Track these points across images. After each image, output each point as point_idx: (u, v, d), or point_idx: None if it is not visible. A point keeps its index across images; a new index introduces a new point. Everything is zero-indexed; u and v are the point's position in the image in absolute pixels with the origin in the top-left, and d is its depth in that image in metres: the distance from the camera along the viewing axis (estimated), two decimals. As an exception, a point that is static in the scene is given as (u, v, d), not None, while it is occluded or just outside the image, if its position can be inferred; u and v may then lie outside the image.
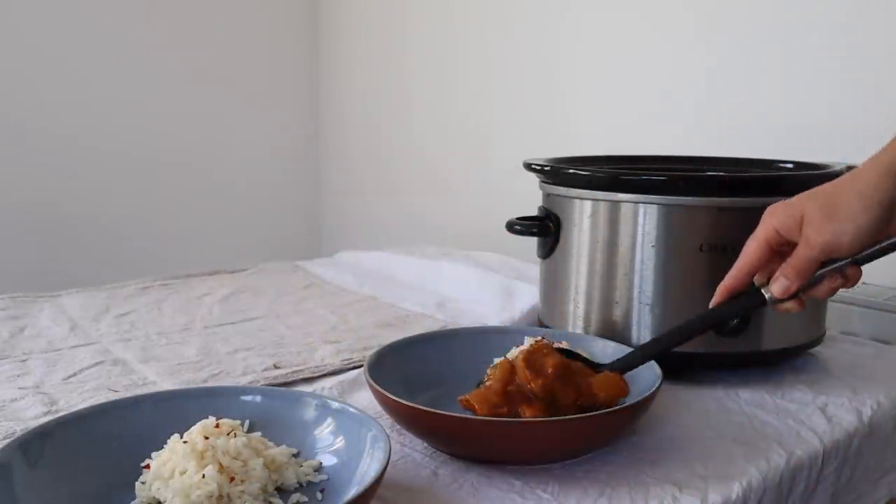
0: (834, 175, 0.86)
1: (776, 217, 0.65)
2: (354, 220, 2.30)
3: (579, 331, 0.89)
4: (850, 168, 0.89)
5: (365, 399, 0.77)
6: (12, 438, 0.58)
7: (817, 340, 0.91)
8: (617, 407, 0.68)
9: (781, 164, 1.01)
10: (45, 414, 0.75)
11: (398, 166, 2.12)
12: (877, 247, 0.62)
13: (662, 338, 0.72)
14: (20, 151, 1.90)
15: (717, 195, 0.81)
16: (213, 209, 2.21)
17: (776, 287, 0.65)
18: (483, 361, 0.79)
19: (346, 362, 0.91)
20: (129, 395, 0.76)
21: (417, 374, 0.78)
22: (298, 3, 2.32)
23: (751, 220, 0.82)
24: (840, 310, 1.08)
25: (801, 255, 0.63)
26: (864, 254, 0.63)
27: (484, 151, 1.86)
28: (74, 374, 0.87)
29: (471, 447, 0.66)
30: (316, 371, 0.88)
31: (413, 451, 0.69)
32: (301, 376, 0.87)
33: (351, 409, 0.63)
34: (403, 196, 2.10)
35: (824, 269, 0.65)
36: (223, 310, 1.16)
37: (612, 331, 0.86)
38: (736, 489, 0.63)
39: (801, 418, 0.77)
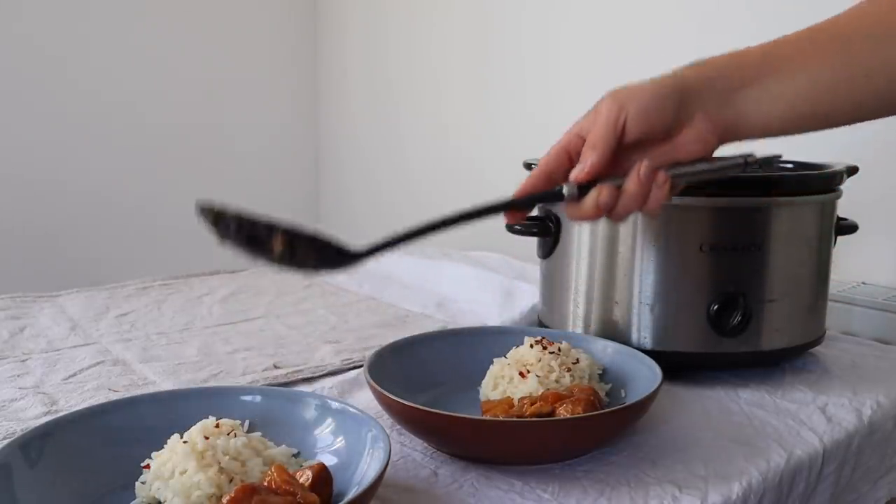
0: (832, 175, 0.87)
1: (577, 123, 0.61)
2: (354, 220, 2.30)
3: (579, 331, 0.89)
4: (849, 169, 0.89)
5: (365, 399, 0.77)
6: (12, 438, 0.58)
7: (817, 340, 0.91)
8: (617, 407, 0.68)
9: (781, 164, 1.01)
10: (45, 414, 0.75)
11: (398, 166, 2.12)
12: (686, 168, 0.59)
13: (431, 223, 0.59)
14: (20, 151, 1.90)
15: (717, 195, 0.81)
16: (214, 209, 2.21)
17: (575, 170, 0.59)
18: (483, 361, 0.79)
19: (346, 362, 0.91)
20: (129, 395, 0.76)
21: (417, 374, 0.78)
22: (299, 2, 2.32)
23: (751, 219, 0.82)
24: (840, 310, 1.08)
25: (594, 129, 0.59)
26: (676, 171, 0.59)
27: (483, 151, 1.86)
28: (74, 374, 0.87)
29: (471, 447, 0.66)
30: (316, 371, 0.88)
31: (413, 451, 0.69)
32: (301, 376, 0.87)
33: (351, 409, 0.63)
34: (403, 196, 2.10)
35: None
36: (223, 310, 1.16)
37: (612, 331, 0.86)
38: (736, 489, 0.63)
39: (801, 418, 0.77)
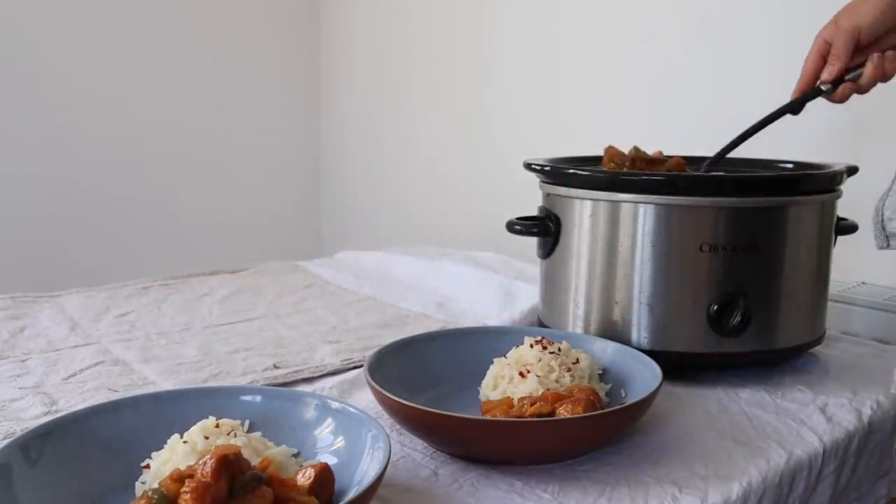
0: (832, 175, 0.87)
1: (823, 32, 0.88)
2: (354, 220, 2.30)
3: (579, 331, 0.89)
4: (849, 169, 0.89)
5: (365, 399, 0.77)
6: (12, 438, 0.58)
7: (817, 340, 0.91)
8: (617, 407, 0.68)
9: (781, 164, 1.02)
10: (45, 414, 0.75)
11: (398, 166, 2.12)
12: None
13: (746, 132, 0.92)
14: (20, 151, 1.90)
15: (717, 195, 0.81)
16: (214, 209, 2.21)
17: (825, 71, 0.87)
18: (483, 361, 0.79)
19: (346, 362, 0.91)
20: (129, 395, 0.76)
21: (417, 374, 0.78)
22: (299, 1, 2.32)
23: (751, 219, 0.82)
24: (840, 310, 1.08)
25: (838, 40, 0.86)
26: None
27: (484, 151, 1.86)
28: (74, 374, 0.87)
29: (471, 447, 0.66)
30: (316, 371, 0.88)
31: (413, 451, 0.69)
32: (301, 376, 0.87)
33: (351, 409, 0.63)
34: (403, 196, 2.10)
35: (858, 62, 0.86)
36: (223, 310, 1.16)
37: (612, 331, 0.86)
38: (736, 489, 0.63)
39: (801, 418, 0.77)
